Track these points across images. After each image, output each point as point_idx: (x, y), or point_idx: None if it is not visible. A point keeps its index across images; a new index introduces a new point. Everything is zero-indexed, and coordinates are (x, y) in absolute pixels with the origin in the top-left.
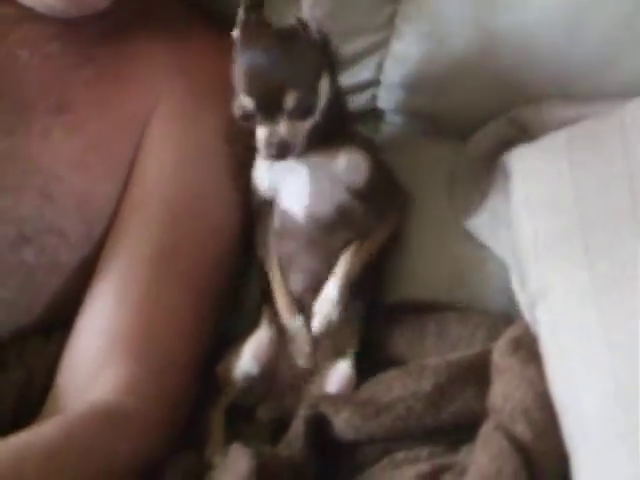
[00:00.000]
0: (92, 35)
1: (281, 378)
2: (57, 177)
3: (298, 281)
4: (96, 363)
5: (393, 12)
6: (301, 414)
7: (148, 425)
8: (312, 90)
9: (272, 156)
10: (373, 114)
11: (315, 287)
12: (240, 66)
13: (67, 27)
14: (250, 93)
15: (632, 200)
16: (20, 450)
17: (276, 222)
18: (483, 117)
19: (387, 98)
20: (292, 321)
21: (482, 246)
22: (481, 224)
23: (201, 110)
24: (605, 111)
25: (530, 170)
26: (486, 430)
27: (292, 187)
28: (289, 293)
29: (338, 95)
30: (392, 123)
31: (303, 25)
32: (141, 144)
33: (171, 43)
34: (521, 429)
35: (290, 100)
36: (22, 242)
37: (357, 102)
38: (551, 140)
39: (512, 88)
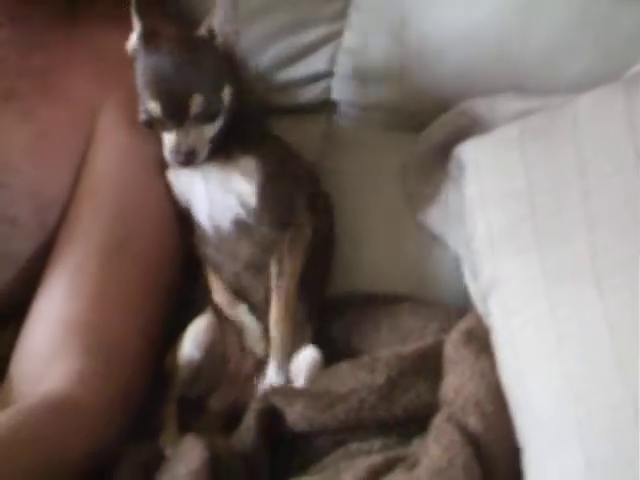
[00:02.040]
0: (42, 22)
1: (231, 368)
2: (9, 165)
3: (226, 276)
4: (48, 354)
5: (346, 3)
6: (253, 407)
7: (99, 417)
8: (216, 97)
9: (179, 163)
10: (326, 106)
11: (240, 283)
12: (145, 70)
13: (17, 15)
14: (156, 97)
15: (582, 192)
16: None
17: (196, 228)
18: (436, 109)
19: (340, 90)
20: (236, 313)
21: (435, 238)
22: (434, 216)
23: None
24: (557, 104)
25: (483, 162)
26: (438, 422)
27: (195, 197)
28: (225, 288)
29: (241, 106)
30: (345, 115)
31: (211, 36)
32: (93, 132)
33: (122, 31)
34: (473, 421)
35: (196, 104)
36: None
37: (310, 93)
38: (504, 132)
39: (465, 81)
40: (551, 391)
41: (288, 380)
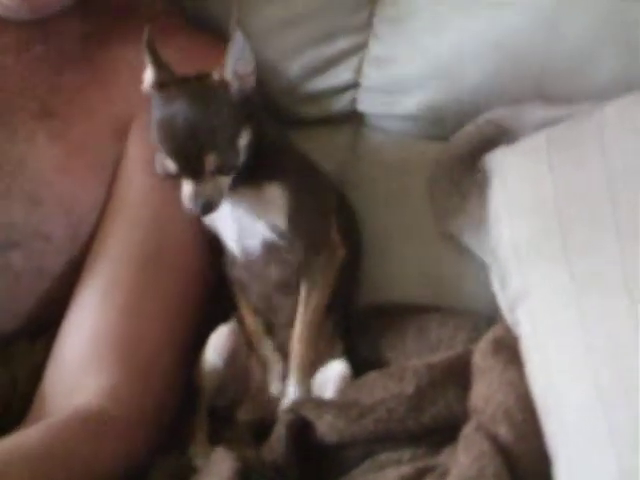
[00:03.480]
0: (75, 39)
1: (255, 379)
2: (44, 181)
3: (253, 298)
4: (80, 368)
5: (371, 13)
6: (283, 418)
7: (131, 430)
8: (232, 148)
9: (197, 212)
10: (353, 117)
11: (268, 307)
12: (159, 126)
13: (50, 31)
14: (171, 155)
15: (611, 201)
16: (3, 456)
17: (225, 251)
18: (461, 118)
19: (366, 100)
20: (262, 347)
21: (463, 248)
22: (461, 226)
23: None
24: (584, 113)
25: (510, 172)
26: (468, 432)
27: (222, 222)
28: (254, 317)
29: (262, 138)
30: (372, 125)
31: (224, 84)
32: (125, 148)
33: None
34: (503, 430)
35: (210, 162)
36: (9, 247)
37: (336, 105)
38: (530, 142)
39: (490, 90)
40: (581, 400)
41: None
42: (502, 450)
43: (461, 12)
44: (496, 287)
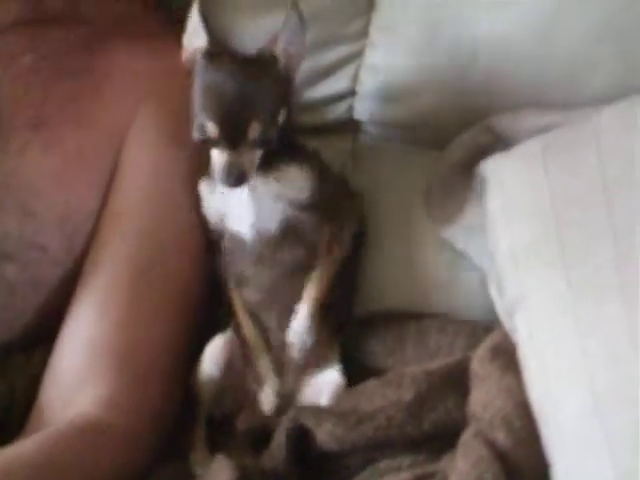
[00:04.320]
0: (65, 49)
1: (254, 387)
2: (37, 193)
3: (253, 295)
4: (78, 378)
5: (367, 22)
6: (282, 426)
7: (129, 439)
8: (273, 122)
9: (229, 184)
10: (350, 125)
11: (269, 302)
12: (205, 90)
13: (40, 41)
14: (215, 120)
15: (606, 206)
16: (2, 466)
17: (227, 244)
18: (458, 125)
19: (363, 108)
20: (259, 363)
21: (460, 254)
22: (458, 233)
23: (175, 125)
24: (580, 119)
25: (506, 178)
26: (466, 438)
27: (236, 208)
28: (255, 329)
29: (289, 122)
30: (369, 133)
31: (273, 58)
32: (118, 159)
33: (146, 57)
34: (501, 437)
35: (254, 131)
36: (4, 259)
37: (333, 113)
38: (526, 148)
39: (488, 96)
40: (578, 406)
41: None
42: (500, 456)
43: (457, 20)
44: (494, 293)
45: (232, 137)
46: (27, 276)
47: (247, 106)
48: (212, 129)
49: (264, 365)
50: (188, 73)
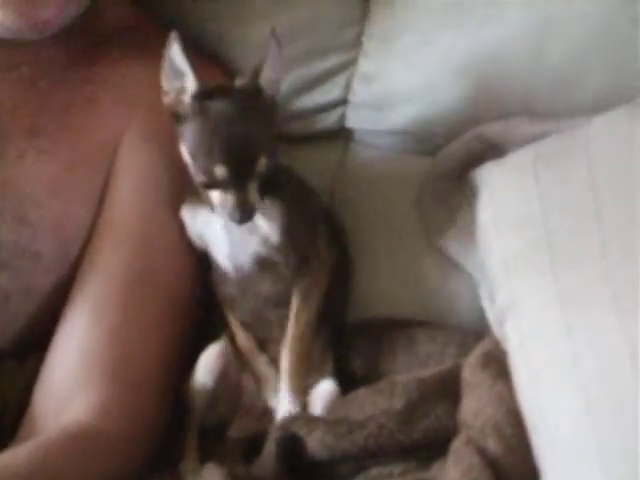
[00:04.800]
0: (62, 60)
1: (246, 397)
2: (32, 201)
3: (243, 315)
4: (70, 386)
5: (360, 31)
6: (273, 435)
7: (121, 447)
8: (274, 153)
9: (240, 221)
10: (342, 133)
11: (259, 322)
12: (208, 135)
13: (37, 52)
14: (225, 163)
15: (597, 215)
16: None
17: (213, 269)
18: (450, 134)
19: (355, 117)
20: (255, 363)
21: (451, 262)
22: (450, 241)
23: (163, 136)
24: (571, 128)
25: (497, 187)
26: (457, 445)
27: (214, 239)
28: (246, 335)
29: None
30: (361, 141)
31: (259, 88)
32: (112, 167)
33: (142, 67)
34: (492, 444)
35: (261, 165)
36: None
37: (326, 121)
38: (518, 157)
39: (478, 105)
40: (569, 414)
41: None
42: (491, 464)
43: (449, 30)
44: (485, 301)
45: (241, 176)
46: (20, 283)
47: (253, 143)
48: (221, 172)
49: (262, 362)
50: (172, 115)
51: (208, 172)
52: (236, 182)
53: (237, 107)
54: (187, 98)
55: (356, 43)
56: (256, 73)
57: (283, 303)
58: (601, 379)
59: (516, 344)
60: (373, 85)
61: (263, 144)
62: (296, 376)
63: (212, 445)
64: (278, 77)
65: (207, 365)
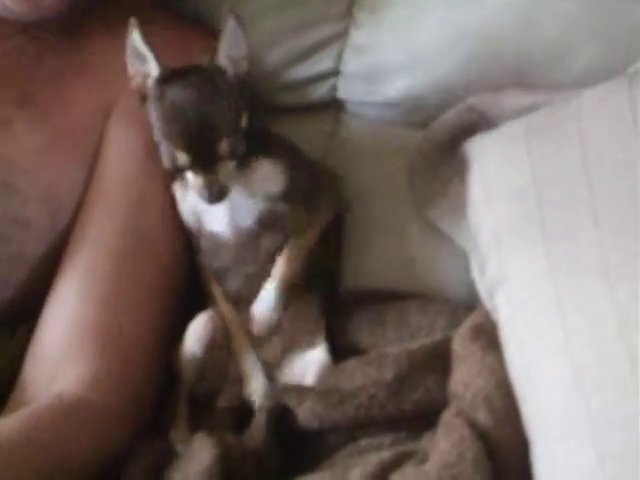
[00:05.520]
0: (54, 29)
1: (235, 366)
2: (21, 169)
3: (235, 286)
4: (61, 356)
5: (351, 2)
6: (263, 405)
7: (112, 417)
8: (238, 132)
9: (212, 201)
10: (333, 104)
11: (252, 291)
12: (167, 119)
13: (27, 24)
14: (184, 148)
15: (588, 187)
16: None
17: (203, 244)
18: (442, 105)
19: (346, 88)
20: (245, 362)
21: (443, 235)
22: (441, 213)
23: None
24: (563, 99)
25: (489, 158)
26: (447, 417)
27: (211, 210)
28: (233, 310)
29: (252, 122)
30: (352, 113)
31: (221, 70)
32: (103, 137)
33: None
34: (482, 416)
35: (224, 148)
36: None
37: (317, 92)
38: (509, 128)
39: (470, 77)
40: (559, 385)
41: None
42: (481, 435)
43: (440, 1)
44: (475, 273)
45: (204, 160)
46: (10, 250)
47: (212, 126)
48: (182, 157)
49: (250, 362)
50: (140, 98)
51: (171, 157)
52: (201, 166)
53: (196, 90)
54: (150, 82)
55: (348, 14)
56: (213, 54)
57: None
58: (591, 350)
59: (506, 316)
60: (364, 56)
61: (224, 127)
62: (284, 279)
63: (202, 414)
64: (242, 54)
65: (196, 334)
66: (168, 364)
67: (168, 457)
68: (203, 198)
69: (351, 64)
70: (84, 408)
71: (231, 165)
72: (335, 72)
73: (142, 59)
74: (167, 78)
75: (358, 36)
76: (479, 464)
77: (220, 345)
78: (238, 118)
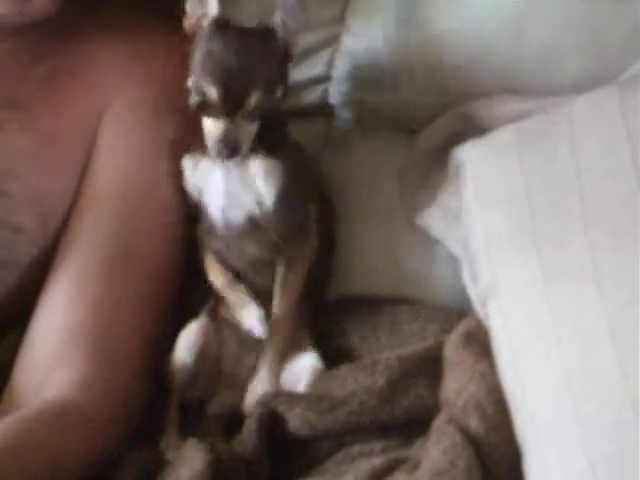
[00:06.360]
0: (45, 33)
1: (227, 372)
2: (12, 173)
3: (233, 269)
4: (51, 360)
5: (344, 7)
6: (254, 411)
7: (101, 422)
8: (272, 94)
9: (222, 154)
10: (325, 109)
11: (243, 281)
12: (209, 54)
13: (21, 25)
14: (216, 84)
15: (580, 194)
16: None
17: (204, 221)
18: (433, 112)
19: (338, 93)
20: (235, 294)
21: (433, 240)
22: (432, 219)
23: (152, 111)
24: (554, 106)
25: (480, 165)
26: (439, 424)
27: (211, 188)
28: (224, 269)
29: (284, 101)
30: (343, 118)
31: (273, 32)
32: (95, 141)
33: (126, 41)
34: (474, 423)
35: (253, 99)
36: None
37: (308, 97)
38: (500, 135)
39: (462, 83)
40: (551, 392)
41: (280, 385)
42: (473, 442)
43: (432, 8)
44: (467, 280)
45: (231, 103)
46: (2, 256)
47: (248, 74)
48: (212, 93)
49: (240, 292)
50: (190, 38)
51: (200, 91)
52: (226, 108)
53: (244, 38)
54: (206, 22)
55: (340, 19)
56: (270, 16)
57: (266, 268)
58: (583, 358)
59: (499, 323)
60: (356, 62)
61: (260, 80)
62: (279, 352)
63: (192, 421)
64: (293, 27)
65: (187, 342)
66: (159, 371)
67: (159, 464)
68: (217, 149)
69: (342, 69)
70: (73, 412)
71: (252, 127)
72: (327, 77)
73: (203, 1)
74: (222, 22)
75: (350, 42)
76: (471, 471)
77: (212, 353)
78: (275, 81)
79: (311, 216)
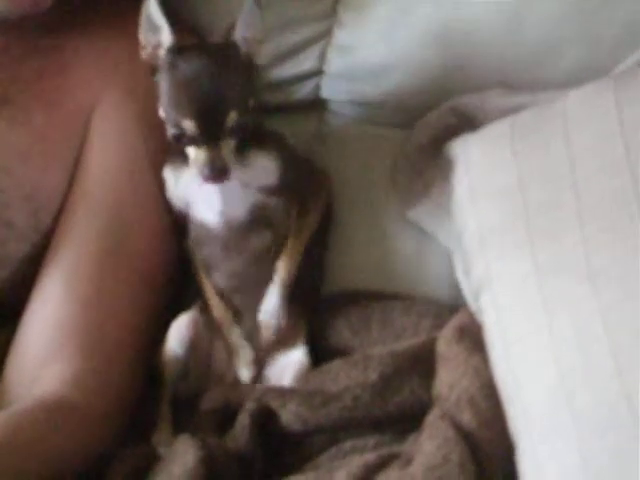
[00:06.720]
0: (36, 29)
1: (217, 368)
2: (3, 169)
3: (222, 280)
4: (43, 357)
5: (335, 1)
6: (247, 407)
7: (94, 418)
8: (247, 109)
9: (212, 179)
10: (316, 104)
11: (238, 287)
12: (178, 88)
13: (11, 22)
14: (193, 116)
15: (574, 188)
16: None
17: (192, 231)
18: (426, 106)
19: (330, 87)
20: (231, 336)
21: (426, 235)
22: (425, 213)
23: (143, 106)
24: (547, 100)
25: (474, 159)
26: (432, 419)
27: (203, 197)
28: (224, 305)
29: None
30: (335, 112)
31: (235, 46)
32: (86, 136)
33: (116, 37)
34: (467, 418)
35: (230, 120)
36: None
37: (300, 92)
38: (494, 129)
39: (454, 77)
40: (545, 387)
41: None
42: (466, 437)
43: (425, 1)
44: (460, 274)
45: (211, 131)
46: None
47: (222, 97)
48: (190, 126)
49: (235, 335)
50: (150, 70)
51: (178, 125)
52: (206, 137)
53: (208, 62)
54: (162, 52)
55: (332, 13)
56: (229, 29)
57: (267, 256)
58: (577, 352)
59: (492, 316)
60: (348, 56)
61: (234, 100)
62: (288, 281)
63: (185, 416)
64: (256, 36)
65: (178, 334)
66: (151, 366)
67: (151, 460)
68: (204, 175)
69: (334, 64)
70: (66, 408)
71: (233, 144)
72: (318, 72)
73: (155, 29)
74: (180, 48)
75: (342, 36)
76: (464, 466)
77: (203, 346)
78: (247, 96)
79: (317, 176)
